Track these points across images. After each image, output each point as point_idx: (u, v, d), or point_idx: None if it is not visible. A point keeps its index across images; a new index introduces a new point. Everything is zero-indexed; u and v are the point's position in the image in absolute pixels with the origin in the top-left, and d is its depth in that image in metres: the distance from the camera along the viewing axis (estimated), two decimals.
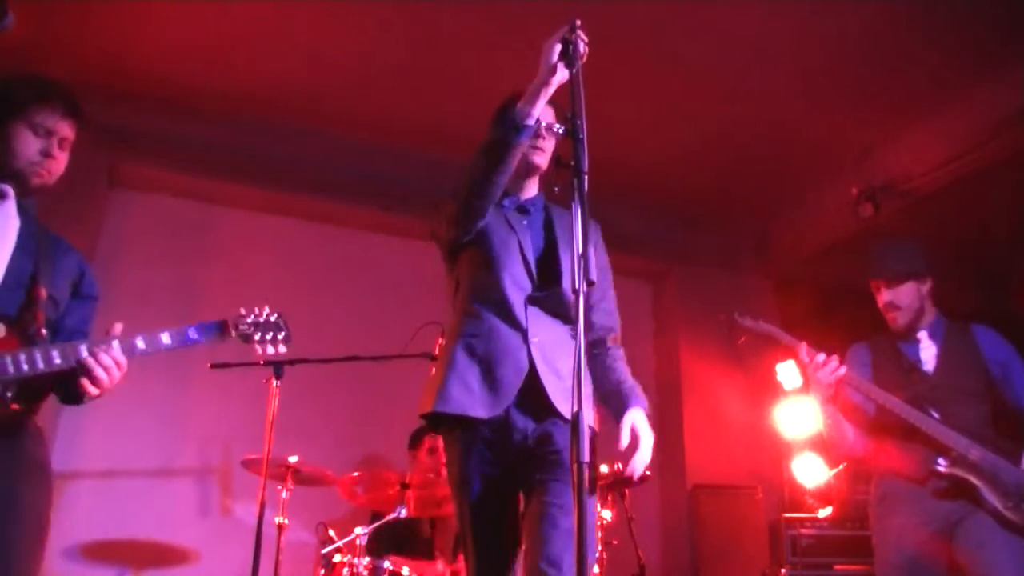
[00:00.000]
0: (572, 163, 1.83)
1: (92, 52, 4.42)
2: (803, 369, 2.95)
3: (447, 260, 2.39)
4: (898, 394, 2.94)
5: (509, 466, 2.11)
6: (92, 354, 2.00)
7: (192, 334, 2.16)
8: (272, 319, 2.33)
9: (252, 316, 2.31)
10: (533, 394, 2.08)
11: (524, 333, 2.13)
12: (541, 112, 2.06)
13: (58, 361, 1.97)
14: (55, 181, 2.18)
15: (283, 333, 2.34)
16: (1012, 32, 4.11)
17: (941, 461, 2.83)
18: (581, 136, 1.82)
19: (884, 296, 3.08)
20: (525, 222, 2.26)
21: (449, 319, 2.30)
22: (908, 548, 2.86)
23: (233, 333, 2.25)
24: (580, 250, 1.69)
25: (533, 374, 2.09)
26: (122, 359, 2.03)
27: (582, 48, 1.93)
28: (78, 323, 2.22)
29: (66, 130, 2.16)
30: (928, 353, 3.06)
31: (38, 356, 1.96)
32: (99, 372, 1.99)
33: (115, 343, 2.03)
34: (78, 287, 2.24)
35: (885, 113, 4.84)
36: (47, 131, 2.13)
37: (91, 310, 2.27)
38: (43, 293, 2.06)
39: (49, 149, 2.13)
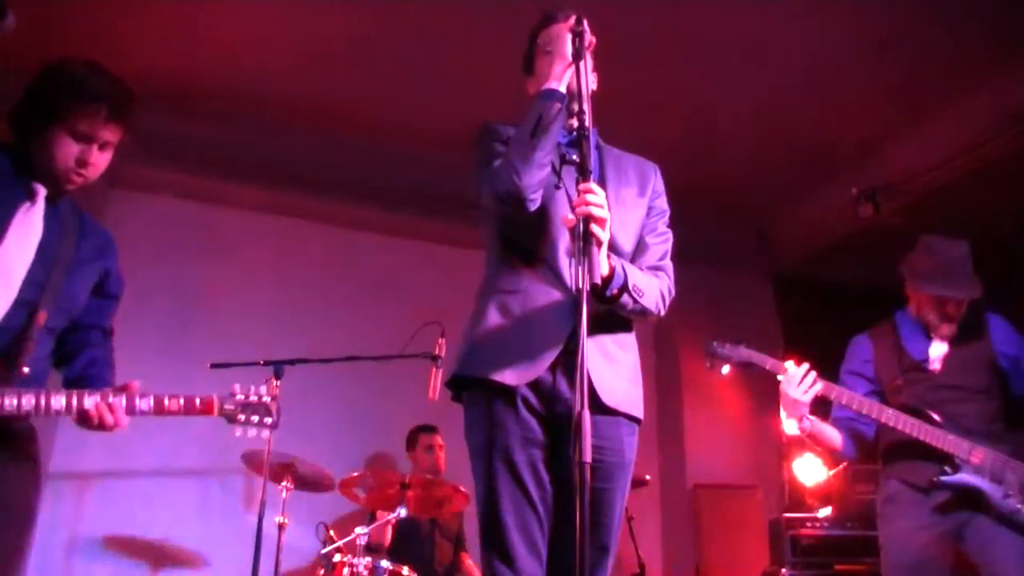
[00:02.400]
0: (577, 160, 1.84)
1: (92, 52, 4.35)
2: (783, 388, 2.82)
3: (482, 210, 2.17)
4: (899, 396, 2.91)
5: (552, 438, 1.96)
6: (68, 407, 1.94)
7: (172, 406, 2.06)
8: (264, 400, 2.20)
9: (241, 395, 2.18)
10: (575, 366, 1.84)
11: (568, 292, 1.97)
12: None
13: (27, 408, 1.90)
14: (96, 179, 2.10)
15: (270, 418, 2.19)
16: (1013, 33, 4.11)
17: (946, 469, 2.77)
18: (586, 133, 1.83)
19: (951, 310, 2.96)
20: (573, 171, 2.01)
21: (485, 273, 2.15)
22: (913, 550, 2.83)
23: (216, 413, 2.12)
24: (582, 251, 1.70)
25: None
26: (107, 417, 1.96)
27: (588, 40, 1.94)
28: (95, 318, 2.18)
29: (108, 134, 2.04)
30: (938, 351, 3.00)
31: (6, 399, 1.88)
32: (88, 426, 1.96)
33: (88, 399, 1.95)
34: (99, 288, 2.19)
35: (885, 112, 4.84)
36: (87, 136, 2.00)
37: (109, 307, 2.23)
38: (42, 318, 1.98)
39: (86, 157, 2.00)
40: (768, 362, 2.84)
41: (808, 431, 2.86)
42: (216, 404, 2.12)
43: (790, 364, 2.81)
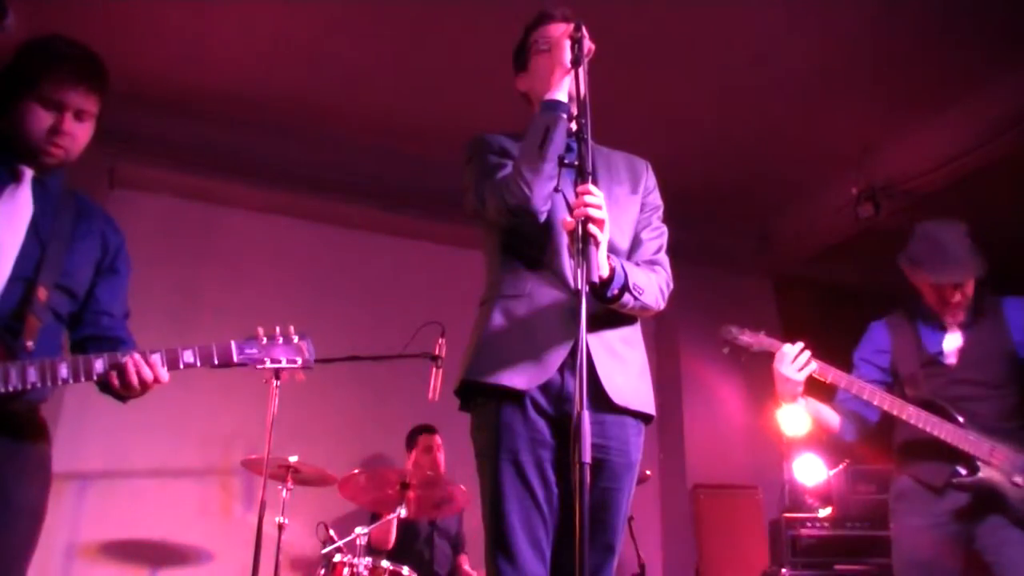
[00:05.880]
0: (577, 163, 1.85)
1: None
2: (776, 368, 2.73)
3: (484, 221, 2.15)
4: (917, 389, 2.85)
5: (560, 438, 1.96)
6: (74, 375, 1.88)
7: (188, 357, 1.98)
8: (293, 340, 2.09)
9: (267, 338, 2.07)
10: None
11: (572, 294, 1.97)
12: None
13: (33, 379, 1.84)
14: (77, 155, 2.03)
15: (301, 359, 2.09)
16: (1013, 33, 4.11)
17: (961, 471, 2.71)
18: (586, 136, 1.83)
19: (950, 296, 2.86)
20: (569, 174, 1.99)
21: (486, 280, 2.16)
22: (925, 549, 2.79)
23: (236, 359, 2.02)
24: (581, 252, 1.70)
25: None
26: (162, 375, 1.94)
27: (587, 47, 1.94)
28: (106, 303, 2.11)
29: (79, 100, 1.97)
30: (952, 343, 2.90)
31: (12, 374, 1.83)
32: (124, 378, 1.91)
33: (99, 362, 1.91)
34: (101, 262, 2.12)
35: (885, 113, 4.84)
36: (57, 104, 1.95)
37: (117, 286, 2.15)
38: (42, 294, 1.94)
39: (59, 125, 1.95)
40: (775, 346, 2.76)
41: (804, 411, 2.80)
42: (234, 351, 2.02)
43: (786, 345, 2.74)
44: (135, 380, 1.92)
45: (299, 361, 2.09)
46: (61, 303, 2.03)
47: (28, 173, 2.01)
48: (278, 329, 2.09)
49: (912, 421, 2.73)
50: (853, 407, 2.92)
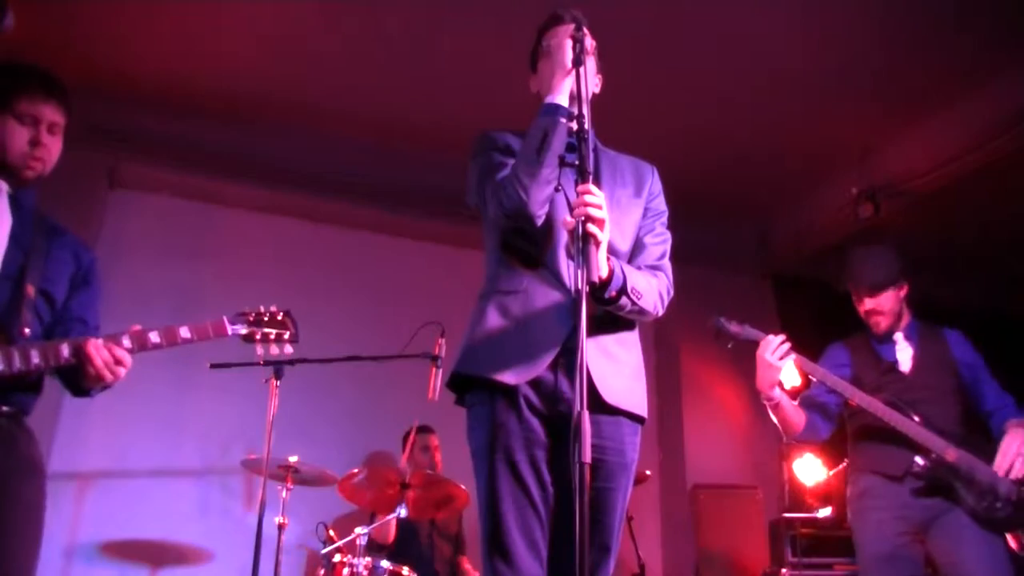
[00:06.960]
0: (576, 163, 1.85)
1: (92, 52, 4.42)
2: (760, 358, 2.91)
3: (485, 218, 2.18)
4: (877, 395, 2.99)
5: (554, 437, 1.97)
6: (77, 353, 1.97)
7: (184, 333, 2.11)
8: (278, 316, 2.28)
9: (255, 314, 2.25)
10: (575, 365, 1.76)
11: (567, 293, 1.99)
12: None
13: (37, 360, 1.95)
14: (51, 169, 2.15)
15: (288, 332, 2.28)
16: (1013, 32, 4.11)
17: (919, 460, 2.89)
18: (586, 136, 1.83)
19: (866, 304, 3.18)
20: (571, 173, 1.99)
21: (485, 274, 2.16)
22: (887, 543, 2.94)
23: (230, 332, 2.21)
24: (581, 252, 1.70)
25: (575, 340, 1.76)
26: (122, 356, 2.02)
27: (589, 46, 1.95)
28: (79, 310, 2.19)
29: (51, 114, 2.11)
30: (905, 354, 3.15)
31: (15, 356, 1.94)
32: (94, 369, 1.98)
33: (96, 340, 2.00)
34: (75, 276, 2.21)
35: (885, 113, 4.84)
36: (33, 119, 2.08)
37: (92, 296, 2.24)
38: (31, 291, 2.03)
39: (38, 138, 2.08)
40: (760, 336, 2.96)
41: (776, 401, 2.94)
42: (227, 325, 2.20)
43: (769, 335, 2.94)
44: (96, 361, 1.98)
45: (287, 335, 2.29)
46: (43, 308, 2.10)
47: (4, 188, 2.10)
48: (262, 307, 2.28)
49: (879, 414, 2.91)
50: (819, 399, 3.11)
